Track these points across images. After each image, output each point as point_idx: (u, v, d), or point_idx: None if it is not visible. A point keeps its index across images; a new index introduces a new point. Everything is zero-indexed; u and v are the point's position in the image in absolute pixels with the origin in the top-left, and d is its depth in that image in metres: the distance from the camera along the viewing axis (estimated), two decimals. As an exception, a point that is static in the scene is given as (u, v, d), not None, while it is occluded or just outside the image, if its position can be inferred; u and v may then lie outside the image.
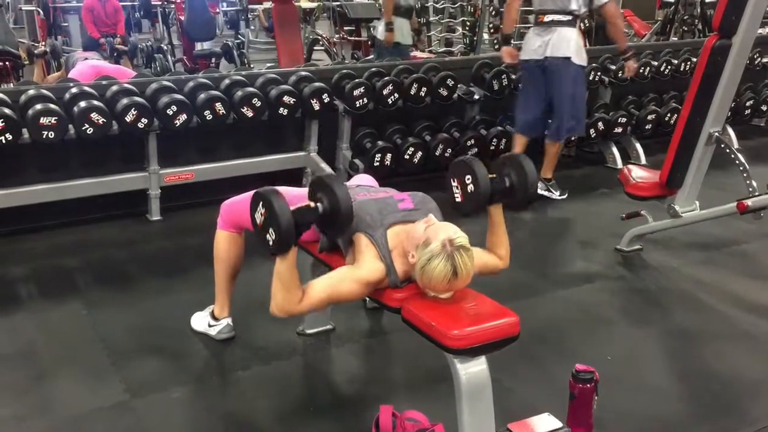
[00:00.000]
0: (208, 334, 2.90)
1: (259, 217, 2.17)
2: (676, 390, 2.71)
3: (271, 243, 2.13)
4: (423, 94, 4.73)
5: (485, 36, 9.64)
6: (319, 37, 9.52)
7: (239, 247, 2.78)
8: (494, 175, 2.37)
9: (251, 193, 2.69)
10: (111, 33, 7.32)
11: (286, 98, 4.34)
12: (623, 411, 2.49)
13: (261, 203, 2.16)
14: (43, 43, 6.92)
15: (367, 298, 3.05)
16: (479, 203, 2.32)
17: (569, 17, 4.46)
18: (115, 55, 6.75)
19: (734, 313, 3.24)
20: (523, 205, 2.45)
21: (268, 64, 6.05)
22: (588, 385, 2.22)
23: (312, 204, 2.19)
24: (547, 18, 4.50)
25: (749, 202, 3.44)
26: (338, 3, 9.81)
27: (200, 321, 2.95)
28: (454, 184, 2.39)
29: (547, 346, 2.91)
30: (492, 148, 4.96)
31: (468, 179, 2.33)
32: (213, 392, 2.61)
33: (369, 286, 2.19)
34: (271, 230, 2.10)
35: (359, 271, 2.19)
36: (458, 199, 2.39)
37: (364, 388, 2.69)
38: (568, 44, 4.45)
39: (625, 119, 5.41)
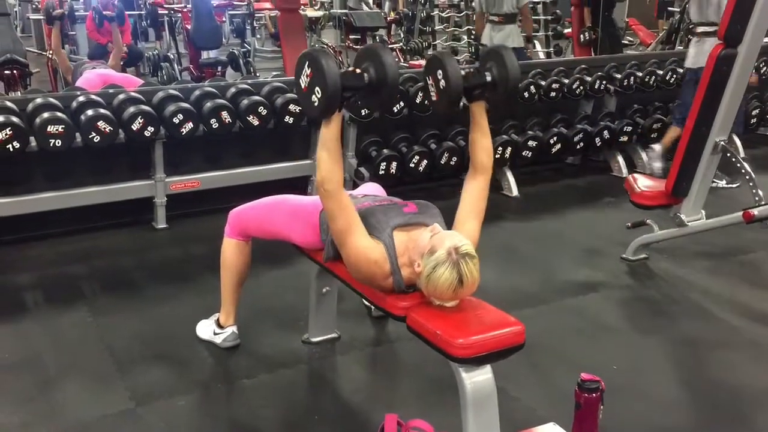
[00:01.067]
0: (214, 342, 2.90)
1: (304, 80, 2.10)
2: (682, 399, 2.70)
3: (316, 103, 2.06)
4: (428, 103, 4.73)
5: (490, 45, 9.65)
6: (325, 46, 9.56)
7: (246, 256, 2.79)
8: (471, 71, 2.29)
9: (259, 201, 2.73)
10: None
11: (291, 107, 4.35)
12: (629, 420, 2.48)
13: (307, 63, 2.08)
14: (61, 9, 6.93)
15: (372, 307, 3.06)
16: (451, 100, 2.23)
17: (714, 27, 4.55)
18: (123, 62, 6.75)
19: (740, 323, 3.23)
20: (504, 100, 2.32)
21: (274, 73, 6.04)
22: (594, 395, 2.21)
23: (358, 70, 2.14)
24: (698, 29, 4.94)
25: (755, 212, 3.44)
26: (344, 12, 9.85)
27: (206, 329, 2.96)
28: (429, 82, 2.29)
29: (552, 354, 2.91)
30: (497, 156, 4.96)
31: (440, 74, 2.23)
32: (218, 400, 2.61)
33: (370, 262, 2.17)
34: (317, 89, 2.04)
35: (375, 247, 2.18)
36: (434, 98, 2.31)
37: (370, 396, 2.69)
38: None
39: (631, 128, 5.41)
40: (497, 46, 2.36)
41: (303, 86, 2.12)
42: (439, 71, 2.23)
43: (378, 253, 2.18)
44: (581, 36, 7.17)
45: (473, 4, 6.88)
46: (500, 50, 2.32)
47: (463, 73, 2.26)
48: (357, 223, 2.20)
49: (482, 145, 2.38)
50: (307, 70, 2.09)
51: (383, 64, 2.09)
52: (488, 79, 2.29)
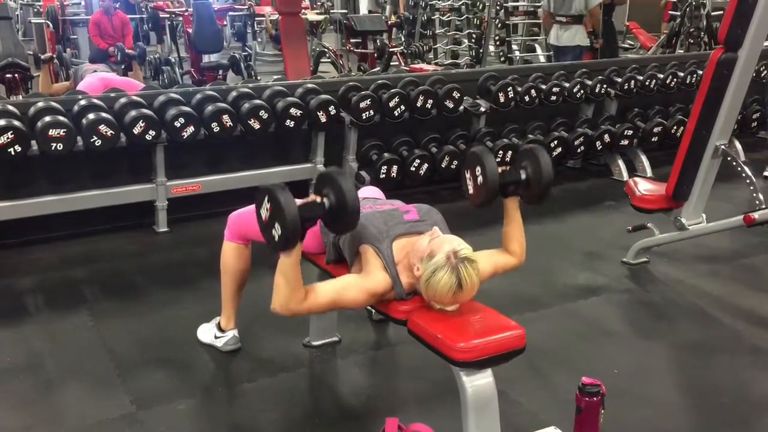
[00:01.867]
0: (215, 345, 2.91)
1: (264, 213, 2.14)
2: (683, 404, 2.70)
3: (276, 238, 2.10)
4: (429, 107, 4.75)
5: (491, 48, 9.67)
6: (326, 50, 9.57)
7: (246, 259, 2.79)
8: (507, 168, 2.37)
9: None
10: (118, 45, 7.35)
11: (292, 110, 4.36)
12: (630, 425, 2.48)
13: (267, 198, 2.13)
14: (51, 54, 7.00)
15: (373, 311, 3.06)
16: (488, 196, 2.32)
17: None
18: (124, 65, 6.79)
19: (742, 327, 3.23)
20: (537, 199, 2.41)
21: (275, 77, 6.07)
22: (594, 399, 2.21)
23: (318, 199, 2.16)
24: None
25: (756, 215, 3.44)
26: (345, 15, 9.86)
27: (206, 333, 2.96)
28: (467, 175, 2.39)
29: (553, 358, 2.91)
30: (497, 159, 4.97)
31: (478, 171, 2.32)
32: (219, 404, 2.61)
33: (374, 297, 2.20)
34: (276, 225, 2.08)
35: (366, 281, 2.19)
36: (471, 192, 2.40)
37: (370, 400, 2.69)
38: None
39: (631, 131, 5.41)
40: (533, 147, 2.42)
41: (264, 218, 2.15)
42: (478, 168, 2.32)
43: (372, 286, 2.17)
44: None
45: (542, 3, 7.19)
46: (536, 151, 2.38)
47: (499, 170, 2.33)
48: (333, 291, 2.19)
49: (516, 238, 2.43)
50: (267, 204, 2.13)
51: (342, 190, 2.12)
52: (522, 177, 2.37)
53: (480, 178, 2.32)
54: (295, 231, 2.07)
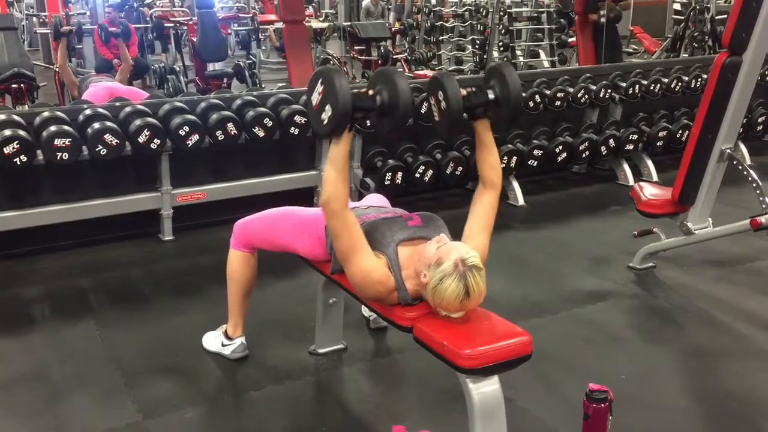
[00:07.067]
0: (222, 353, 2.90)
1: (316, 97, 2.12)
2: (692, 409, 2.68)
3: (325, 122, 2.08)
4: (432, 123, 4.73)
5: (495, 54, 9.68)
6: (330, 57, 9.59)
7: (252, 267, 2.79)
8: (473, 89, 2.30)
9: (264, 212, 2.74)
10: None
11: (297, 118, 4.37)
12: (638, 431, 2.47)
13: (320, 81, 2.10)
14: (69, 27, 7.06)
15: (371, 318, 3.07)
16: (452, 121, 2.25)
17: None
18: (129, 75, 6.78)
19: (750, 331, 3.21)
20: (507, 119, 2.33)
21: (280, 84, 6.08)
22: (602, 405, 2.20)
23: (371, 92, 2.15)
24: None
25: (763, 219, 3.42)
26: (349, 23, 9.88)
27: (213, 341, 2.96)
28: (432, 102, 2.32)
29: (560, 365, 2.90)
30: (502, 165, 4.95)
31: (440, 96, 2.25)
32: (225, 412, 2.61)
33: (374, 282, 2.17)
34: (327, 107, 2.06)
35: (378, 265, 2.18)
36: (437, 118, 2.33)
37: (377, 408, 2.68)
38: None
39: (637, 136, 5.40)
40: (499, 64, 2.37)
41: (314, 103, 2.13)
42: (440, 92, 2.25)
43: (382, 272, 2.17)
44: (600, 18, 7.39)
45: None
46: (502, 68, 2.33)
47: (464, 92, 2.28)
48: (361, 242, 2.19)
49: (489, 163, 2.39)
50: (319, 88, 2.10)
51: (396, 88, 2.10)
52: (491, 96, 2.30)
53: (443, 104, 2.23)
54: (346, 112, 2.05)
